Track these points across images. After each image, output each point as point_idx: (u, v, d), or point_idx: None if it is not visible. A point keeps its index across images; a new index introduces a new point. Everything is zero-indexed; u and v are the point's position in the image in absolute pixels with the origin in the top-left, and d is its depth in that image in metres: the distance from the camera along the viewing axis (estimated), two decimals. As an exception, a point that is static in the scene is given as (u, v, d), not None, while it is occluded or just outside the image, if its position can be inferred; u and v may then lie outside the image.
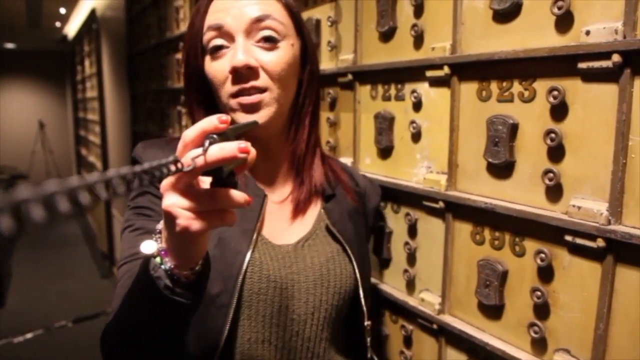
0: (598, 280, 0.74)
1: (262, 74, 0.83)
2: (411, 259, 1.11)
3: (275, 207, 0.92)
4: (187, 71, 0.90)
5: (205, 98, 0.90)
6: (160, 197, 0.56)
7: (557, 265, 0.81)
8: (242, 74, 0.81)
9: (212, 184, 0.55)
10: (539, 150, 0.82)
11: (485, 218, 0.92)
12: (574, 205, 0.76)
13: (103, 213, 5.15)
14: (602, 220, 0.72)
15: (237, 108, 0.83)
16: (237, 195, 0.55)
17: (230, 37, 0.83)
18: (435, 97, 1.01)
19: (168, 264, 0.59)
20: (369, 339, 0.95)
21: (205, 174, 0.54)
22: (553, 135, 0.78)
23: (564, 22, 0.77)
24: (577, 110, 0.76)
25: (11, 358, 3.37)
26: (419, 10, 1.03)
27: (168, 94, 2.61)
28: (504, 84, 0.87)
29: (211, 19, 0.84)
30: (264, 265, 0.84)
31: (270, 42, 0.83)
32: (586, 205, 0.75)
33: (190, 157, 0.50)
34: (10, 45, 9.62)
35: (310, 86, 0.92)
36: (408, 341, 1.14)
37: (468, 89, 0.94)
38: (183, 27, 2.31)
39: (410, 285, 1.12)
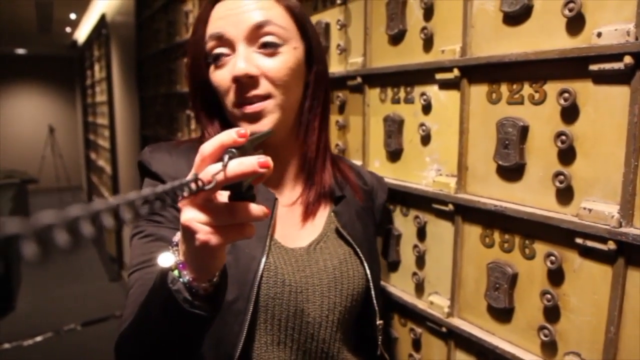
0: (609, 283, 0.74)
1: (264, 81, 0.82)
2: (420, 261, 1.11)
3: (285, 210, 0.92)
4: (191, 79, 0.90)
5: (211, 105, 0.90)
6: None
7: (567, 268, 0.80)
8: (244, 82, 0.81)
9: (230, 198, 0.54)
10: (549, 152, 0.82)
11: (495, 221, 0.92)
12: (584, 208, 0.76)
13: (111, 216, 5.16)
14: (613, 222, 0.72)
15: (241, 117, 0.84)
16: (256, 209, 0.54)
17: (231, 46, 0.83)
18: (444, 100, 1.01)
19: (186, 277, 0.58)
20: (380, 337, 0.95)
21: (225, 188, 0.53)
22: (564, 137, 0.78)
23: (575, 24, 0.77)
24: (589, 112, 0.76)
25: (21, 361, 3.39)
26: (428, 13, 1.03)
27: (177, 98, 2.63)
28: (514, 86, 0.87)
29: (212, 27, 0.84)
30: (279, 270, 0.84)
31: (272, 48, 0.83)
32: (597, 207, 0.74)
33: (210, 174, 0.49)
34: (20, 51, 9.75)
35: (318, 87, 0.91)
36: (417, 344, 1.13)
37: (478, 92, 0.94)
38: (192, 32, 2.32)
39: (419, 288, 1.12)
